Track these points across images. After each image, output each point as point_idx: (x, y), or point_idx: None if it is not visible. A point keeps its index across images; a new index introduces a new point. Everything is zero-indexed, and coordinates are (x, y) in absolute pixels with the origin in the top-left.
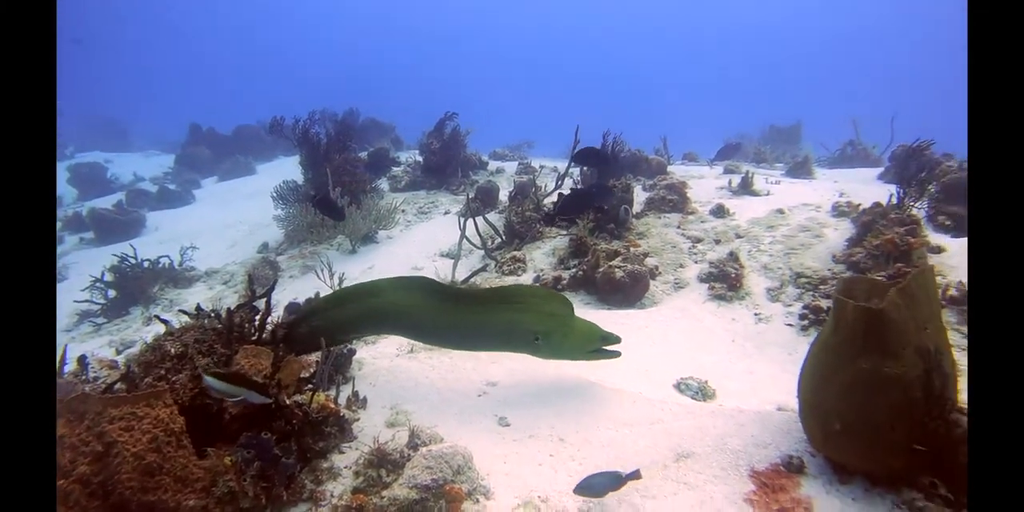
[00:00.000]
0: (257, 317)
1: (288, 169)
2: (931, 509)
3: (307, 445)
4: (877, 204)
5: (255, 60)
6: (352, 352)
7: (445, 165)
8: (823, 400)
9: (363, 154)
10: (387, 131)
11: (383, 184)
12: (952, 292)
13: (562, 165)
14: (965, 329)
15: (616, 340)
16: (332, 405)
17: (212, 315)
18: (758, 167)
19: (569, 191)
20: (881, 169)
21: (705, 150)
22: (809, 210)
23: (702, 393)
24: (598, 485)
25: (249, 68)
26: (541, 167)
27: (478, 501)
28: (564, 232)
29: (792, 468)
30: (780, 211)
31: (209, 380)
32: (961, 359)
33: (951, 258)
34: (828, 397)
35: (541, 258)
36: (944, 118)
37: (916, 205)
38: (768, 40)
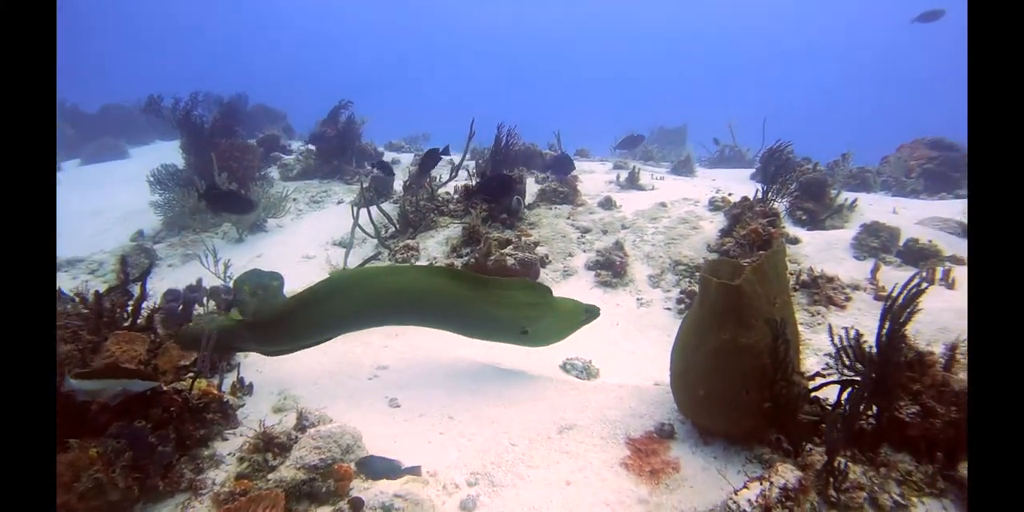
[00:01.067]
0: (131, 302)
1: (166, 154)
2: (775, 459)
3: (187, 433)
4: (745, 198)
5: (130, 28)
6: None
7: (340, 153)
8: (690, 369)
9: (252, 141)
10: (278, 118)
11: (273, 172)
12: (804, 277)
13: (457, 157)
14: (814, 309)
15: (596, 309)
16: (215, 391)
17: (76, 299)
18: (646, 164)
19: (492, 175)
20: (753, 169)
21: (597, 147)
22: (689, 204)
23: (586, 372)
24: (376, 469)
25: (121, 38)
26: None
27: (366, 478)
28: (457, 222)
29: (664, 434)
30: (663, 205)
31: (73, 383)
32: (808, 334)
33: (804, 248)
34: (694, 366)
35: (435, 247)
36: (811, 123)
37: (777, 200)
38: (659, 44)
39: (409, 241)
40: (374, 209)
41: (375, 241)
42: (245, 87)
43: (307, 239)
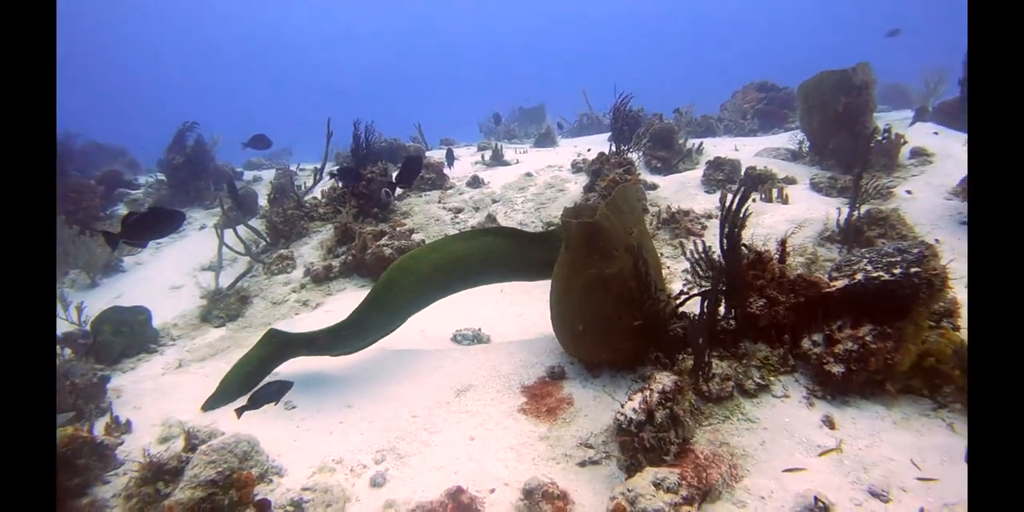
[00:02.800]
0: None
1: None
2: (655, 372)
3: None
4: (601, 153)
5: None
6: (106, 379)
7: (195, 179)
8: (566, 309)
9: (89, 181)
10: (117, 154)
11: (121, 210)
12: (664, 215)
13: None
14: (676, 241)
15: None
16: (84, 434)
17: None
18: (510, 142)
19: (405, 159)
20: (611, 132)
21: (462, 134)
22: (554, 170)
23: (477, 339)
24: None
25: None
26: (301, 169)
27: (271, 481)
28: (329, 223)
29: (555, 376)
30: (529, 174)
31: None
32: (674, 264)
33: (663, 191)
34: (570, 305)
35: (309, 252)
36: (659, 82)
37: (631, 151)
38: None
39: (282, 251)
40: (241, 227)
41: (247, 258)
42: (73, 125)
43: (172, 270)
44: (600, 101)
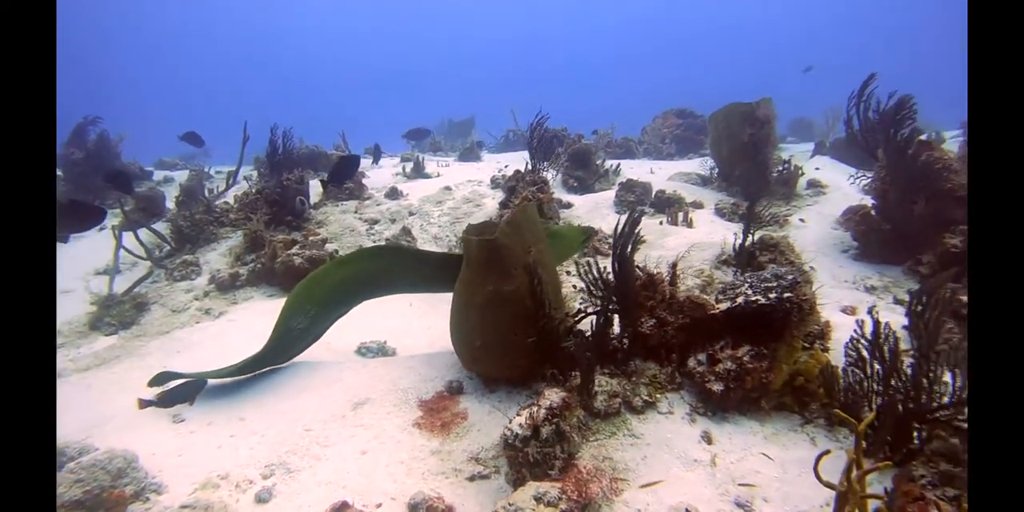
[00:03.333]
0: None
1: None
2: (545, 389)
3: None
4: (517, 171)
5: None
6: None
7: (95, 176)
8: (465, 324)
9: None
10: None
11: None
12: None
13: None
14: (584, 260)
15: (592, 229)
16: None
17: None
18: (435, 155)
19: (338, 158)
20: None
21: (388, 144)
22: (473, 185)
23: (382, 352)
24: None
25: None
26: (217, 172)
27: (148, 499)
28: (239, 231)
29: (453, 390)
30: (448, 188)
31: None
32: (579, 282)
33: (577, 210)
34: (468, 321)
35: (217, 259)
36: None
37: (546, 169)
38: (446, 40)
39: (187, 256)
40: (144, 230)
41: (147, 263)
42: None
43: (62, 273)
44: (529, 118)
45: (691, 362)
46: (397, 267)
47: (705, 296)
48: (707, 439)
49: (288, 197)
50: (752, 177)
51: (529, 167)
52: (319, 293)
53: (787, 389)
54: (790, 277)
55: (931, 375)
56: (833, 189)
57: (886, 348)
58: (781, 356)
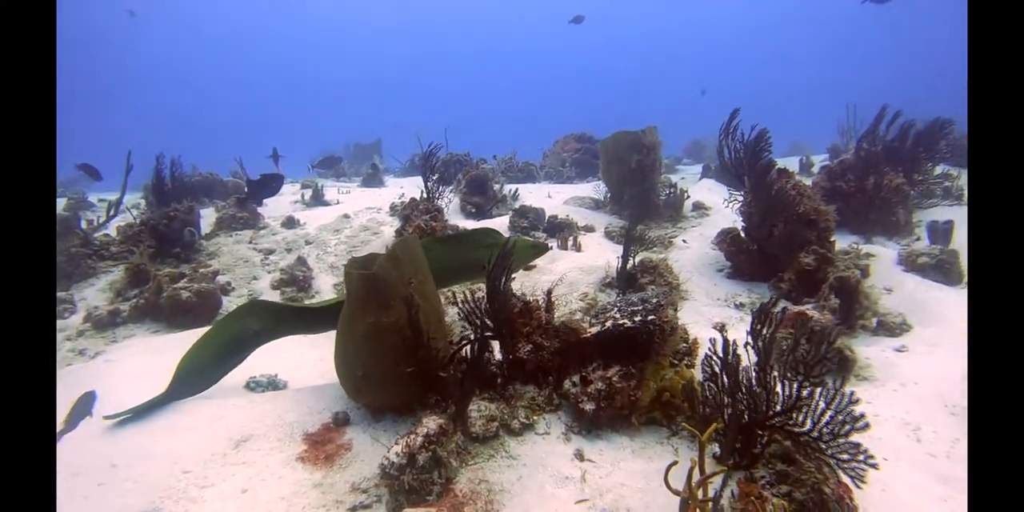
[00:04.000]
0: None
1: None
2: (424, 416)
3: None
4: (412, 199)
5: None
6: None
7: None
8: (348, 356)
9: None
10: None
11: None
12: None
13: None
14: (472, 286)
15: (544, 245)
16: None
17: None
18: (339, 181)
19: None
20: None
21: (289, 170)
22: (372, 212)
23: (272, 386)
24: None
25: None
26: (101, 200)
27: None
28: (121, 263)
29: (339, 422)
30: (346, 216)
31: None
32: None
33: None
34: (351, 353)
35: (95, 295)
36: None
37: (439, 196)
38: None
39: (61, 294)
40: None
41: None
42: None
43: None
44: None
45: (567, 384)
46: (277, 323)
47: (581, 321)
48: (579, 456)
49: (175, 228)
50: (640, 201)
51: (425, 195)
52: (208, 353)
53: (655, 405)
54: (654, 301)
55: (767, 386)
56: (715, 211)
57: (732, 364)
58: (648, 374)
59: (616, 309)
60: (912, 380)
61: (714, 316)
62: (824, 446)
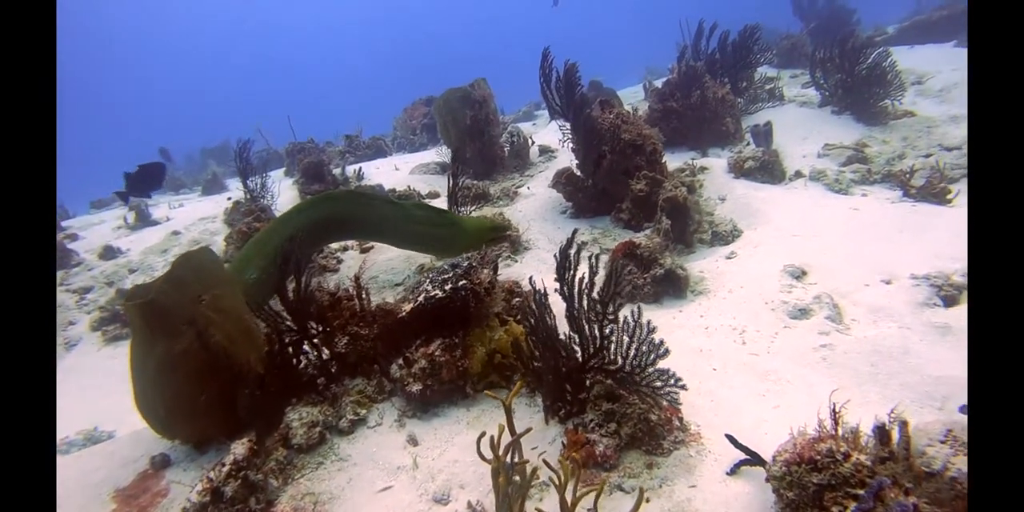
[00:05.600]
0: None
1: None
2: (236, 440)
3: None
4: (236, 202)
5: None
6: None
7: None
8: (147, 395)
9: None
10: None
11: None
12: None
13: None
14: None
15: (503, 227)
16: None
17: None
18: (178, 194)
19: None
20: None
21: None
22: (205, 223)
23: (91, 440)
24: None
25: None
26: None
27: None
28: None
29: (157, 465)
30: (176, 233)
31: None
32: None
33: None
34: (148, 391)
35: None
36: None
37: (264, 195)
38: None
39: None
40: None
41: None
42: None
43: None
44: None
45: (393, 368)
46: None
47: (402, 301)
48: (412, 441)
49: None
50: (484, 156)
51: (247, 196)
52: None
53: (490, 368)
54: (465, 264)
55: (580, 330)
56: (563, 152)
57: (543, 313)
58: (474, 340)
59: (428, 281)
60: (738, 284)
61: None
62: (638, 378)
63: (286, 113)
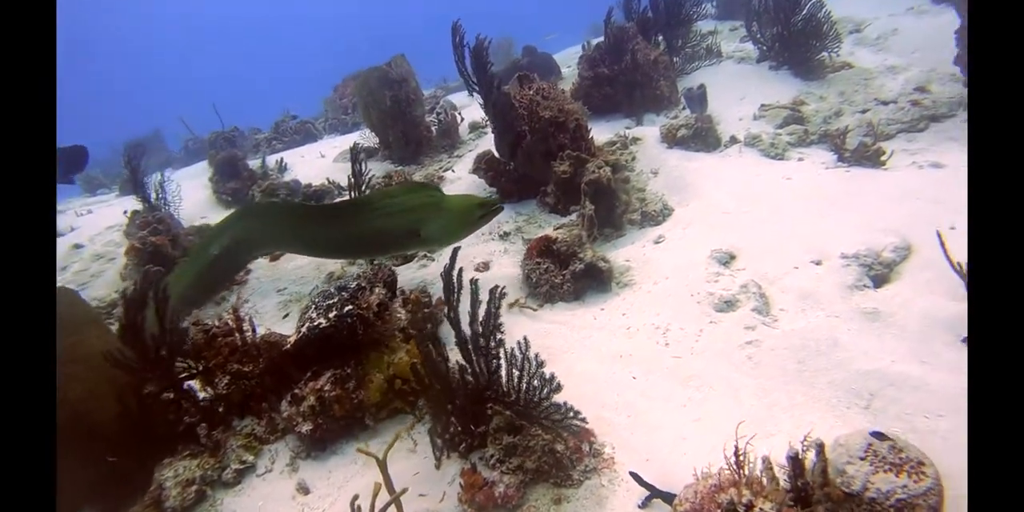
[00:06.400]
0: None
1: None
2: None
3: None
4: (135, 212)
5: None
6: None
7: None
8: None
9: None
10: None
11: None
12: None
13: None
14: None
15: (494, 202)
16: None
17: None
18: (95, 195)
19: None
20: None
21: None
22: (113, 232)
23: None
24: None
25: None
26: None
27: None
28: None
29: None
30: (78, 246)
31: None
32: None
33: None
34: None
35: None
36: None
37: (166, 203)
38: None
39: None
40: None
41: None
42: None
43: None
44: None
45: (284, 405)
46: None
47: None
48: (303, 490)
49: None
50: (408, 139)
51: (145, 205)
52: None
53: (390, 394)
54: (353, 285)
55: (470, 359)
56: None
57: (431, 340)
58: (371, 367)
59: (313, 307)
60: (663, 275)
61: (476, 256)
62: (535, 412)
63: (231, 98)
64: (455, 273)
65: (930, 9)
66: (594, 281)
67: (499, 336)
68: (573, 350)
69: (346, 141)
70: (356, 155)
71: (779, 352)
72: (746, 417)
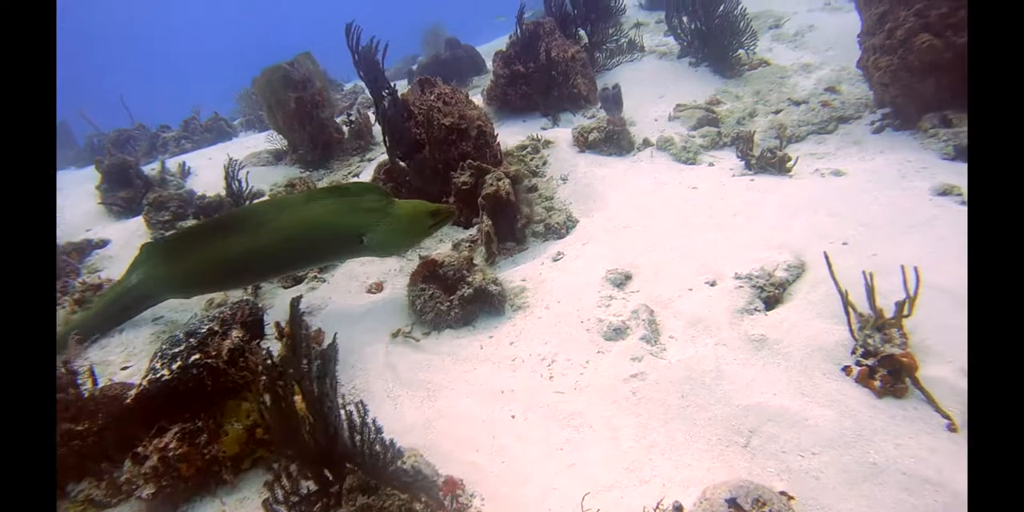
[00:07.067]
0: None
1: None
2: None
3: None
4: None
5: None
6: None
7: None
8: None
9: None
10: None
11: None
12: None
13: None
14: None
15: (446, 209)
16: None
17: None
18: None
19: None
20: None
21: None
22: None
23: None
24: None
25: None
26: None
27: None
28: None
29: None
30: None
31: None
32: None
33: (112, 248)
34: None
35: None
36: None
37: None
38: None
39: None
40: None
41: None
42: None
43: None
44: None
45: (127, 464)
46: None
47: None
48: None
49: None
50: (315, 143)
51: None
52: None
53: (253, 444)
54: (204, 329)
55: (317, 410)
56: None
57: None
58: (228, 417)
59: (159, 355)
60: (556, 299)
61: (371, 275)
62: (383, 474)
63: (142, 92)
64: (301, 307)
65: (844, 6)
66: (485, 305)
67: (336, 399)
68: (454, 385)
69: (260, 140)
70: (234, 173)
71: (663, 386)
72: (623, 461)
